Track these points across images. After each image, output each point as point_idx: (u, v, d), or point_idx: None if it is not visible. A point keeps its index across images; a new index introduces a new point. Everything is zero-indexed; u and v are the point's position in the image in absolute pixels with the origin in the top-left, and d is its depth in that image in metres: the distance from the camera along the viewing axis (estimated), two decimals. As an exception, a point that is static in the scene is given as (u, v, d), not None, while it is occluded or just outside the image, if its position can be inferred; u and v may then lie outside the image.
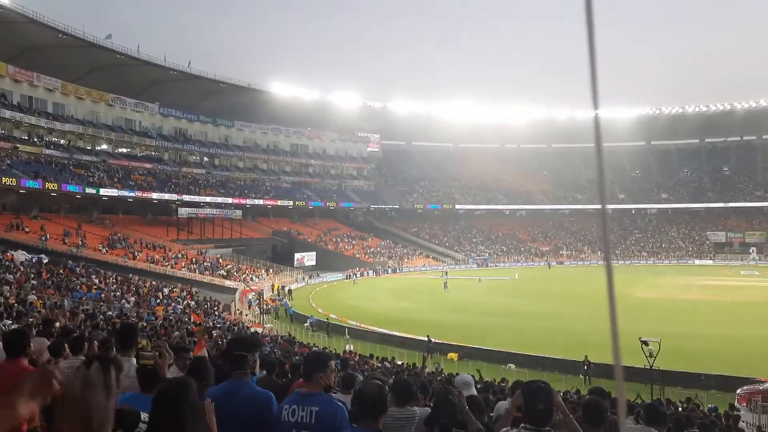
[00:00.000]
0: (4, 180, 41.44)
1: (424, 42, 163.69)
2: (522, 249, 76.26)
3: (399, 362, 20.24)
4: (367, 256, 65.49)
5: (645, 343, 17.83)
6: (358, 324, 32.22)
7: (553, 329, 29.77)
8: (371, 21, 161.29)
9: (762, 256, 69.30)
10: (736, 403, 15.37)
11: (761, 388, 16.37)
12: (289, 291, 45.40)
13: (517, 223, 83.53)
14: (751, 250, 71.06)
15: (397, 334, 29.15)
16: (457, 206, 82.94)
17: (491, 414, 5.79)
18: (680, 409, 13.05)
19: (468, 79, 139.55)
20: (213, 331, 20.86)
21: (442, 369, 18.27)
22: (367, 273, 59.48)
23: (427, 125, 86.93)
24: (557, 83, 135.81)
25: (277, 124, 75.55)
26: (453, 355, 25.20)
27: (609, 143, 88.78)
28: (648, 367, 17.76)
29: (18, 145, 48.20)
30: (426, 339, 26.06)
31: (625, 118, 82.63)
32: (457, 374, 8.12)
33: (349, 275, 57.14)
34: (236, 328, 26.28)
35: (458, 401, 4.17)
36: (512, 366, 23.02)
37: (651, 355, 17.79)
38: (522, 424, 3.18)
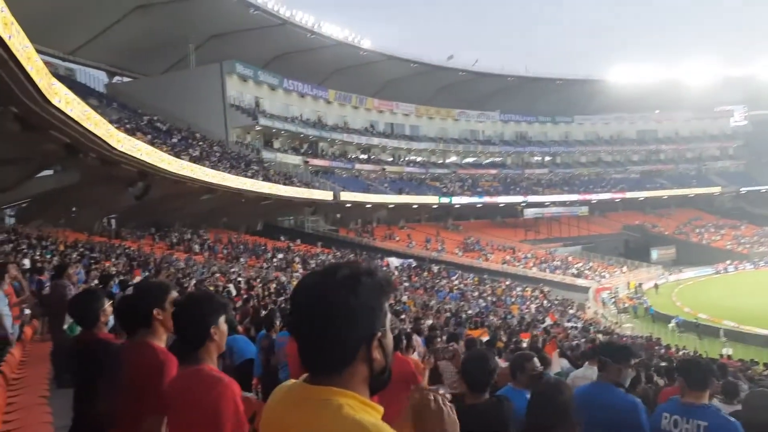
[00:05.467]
0: (378, 198, 48.88)
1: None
2: None
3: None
4: (740, 247, 56.95)
5: None
6: (736, 325, 28.31)
7: None
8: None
9: None
10: None
11: None
12: (656, 285, 42.98)
13: None
14: None
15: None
16: None
17: None
18: None
19: None
20: (569, 331, 21.05)
21: None
22: (743, 266, 51.69)
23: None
24: None
25: (620, 112, 71.47)
26: None
27: None
28: None
29: (385, 167, 56.55)
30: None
31: None
32: None
33: (720, 270, 50.56)
34: (591, 327, 25.93)
35: None
36: None
37: None
38: None
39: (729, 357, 20.37)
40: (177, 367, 2.43)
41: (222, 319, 2.32)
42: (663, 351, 19.30)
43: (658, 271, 50.37)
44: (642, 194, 63.98)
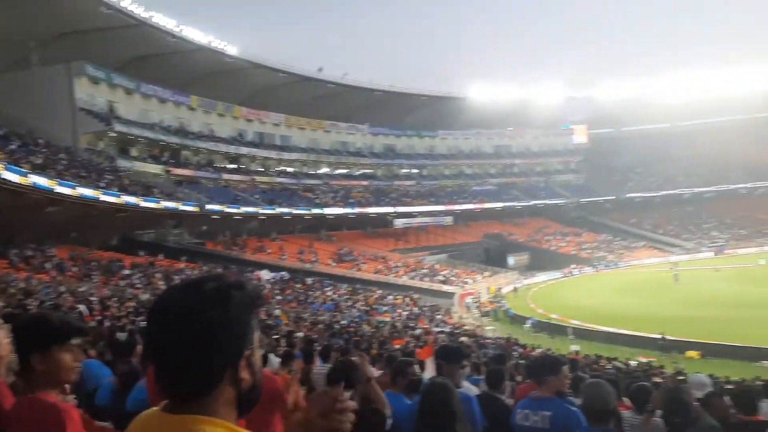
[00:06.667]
0: (247, 209, 47.63)
1: (623, 21, 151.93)
2: (765, 231, 66.33)
3: (633, 363, 19.06)
4: (583, 253, 62.61)
5: None
6: (582, 323, 30.96)
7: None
8: (562, 8, 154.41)
9: None
10: None
11: None
12: (515, 289, 46.14)
13: (758, 202, 72.82)
14: None
15: (626, 332, 27.41)
16: (682, 190, 75.16)
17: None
18: None
19: (682, 51, 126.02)
20: (438, 336, 21.78)
21: (683, 369, 16.82)
22: (586, 270, 56.83)
23: (638, 108, 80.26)
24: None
25: (479, 128, 76.06)
26: (693, 353, 22.98)
27: None
28: None
29: (255, 177, 55.32)
30: (659, 337, 24.17)
31: None
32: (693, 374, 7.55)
33: (566, 273, 55.17)
34: (458, 331, 27.04)
35: (688, 399, 3.98)
36: (767, 363, 20.27)
37: None
38: None
39: (577, 353, 22.19)
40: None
41: (58, 347, 1.99)
42: (520, 350, 20.55)
43: (514, 276, 53.87)
44: (499, 205, 68.35)
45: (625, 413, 4.13)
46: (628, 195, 75.55)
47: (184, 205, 40.00)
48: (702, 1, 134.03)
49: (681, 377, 12.73)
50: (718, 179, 75.11)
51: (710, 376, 9.97)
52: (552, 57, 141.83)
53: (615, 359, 19.13)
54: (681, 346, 23.69)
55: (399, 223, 57.92)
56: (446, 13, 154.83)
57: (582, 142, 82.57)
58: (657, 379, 11.79)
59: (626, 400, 4.81)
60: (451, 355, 3.96)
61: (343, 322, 25.73)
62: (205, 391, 1.08)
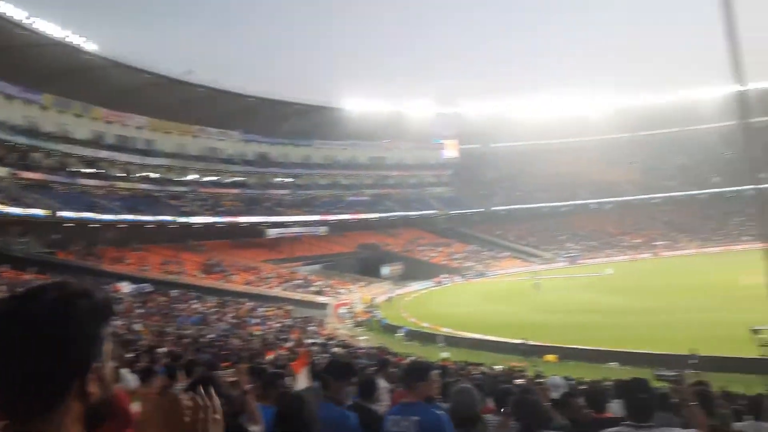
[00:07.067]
0: (105, 217, 44.38)
1: (491, 42, 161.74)
2: (612, 243, 73.26)
3: (498, 367, 19.90)
4: (453, 262, 65.19)
5: (756, 331, 16.80)
6: (452, 331, 32.02)
7: (656, 324, 28.33)
8: (435, 26, 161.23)
9: None
10: None
11: None
12: (389, 299, 46.71)
13: (605, 216, 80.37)
14: None
15: (492, 338, 28.74)
16: (541, 204, 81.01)
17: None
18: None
19: (540, 74, 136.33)
20: (311, 347, 21.40)
21: (542, 372, 17.81)
22: (456, 279, 59.17)
23: (503, 125, 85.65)
24: (636, 70, 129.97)
25: (355, 139, 76.95)
26: (550, 357, 24.54)
27: (698, 126, 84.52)
28: (762, 357, 16.64)
29: (115, 183, 51.68)
30: (520, 342, 25.57)
31: (712, 98, 78.13)
32: (550, 376, 7.94)
33: (438, 283, 57.06)
34: (332, 342, 26.82)
35: (537, 400, 4.14)
36: (615, 364, 22.12)
37: (764, 344, 16.69)
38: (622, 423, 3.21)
39: (446, 360, 22.82)
40: None
41: None
42: (393, 359, 20.73)
43: (388, 286, 54.80)
44: (374, 215, 69.44)
45: (488, 416, 4.24)
46: (494, 208, 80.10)
47: (31, 210, 36.33)
48: (560, 31, 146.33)
49: (540, 380, 13.44)
50: (572, 195, 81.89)
51: (566, 377, 10.59)
52: (424, 74, 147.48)
53: (482, 365, 19.87)
54: (540, 351, 25.22)
55: (272, 232, 56.87)
56: (324, 26, 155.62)
57: (453, 156, 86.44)
58: (518, 382, 12.32)
59: (490, 403, 4.94)
60: (339, 370, 3.83)
61: (210, 335, 24.69)
62: (49, 408, 0.98)
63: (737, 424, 5.13)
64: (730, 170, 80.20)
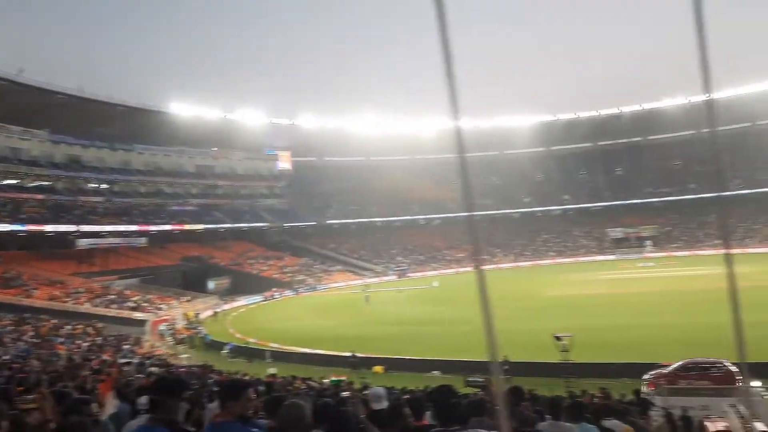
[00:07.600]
0: None
1: (326, 57, 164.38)
2: (439, 257, 77.57)
3: (326, 381, 19.76)
4: (284, 276, 64.29)
5: (558, 338, 18.53)
6: (281, 346, 31.35)
7: (474, 332, 30.17)
8: (269, 35, 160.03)
9: (656, 248, 74.17)
10: (644, 388, 16.19)
11: (665, 371, 17.36)
12: (215, 314, 44.67)
13: (433, 232, 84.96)
14: (645, 243, 75.93)
15: (322, 352, 28.62)
16: (374, 219, 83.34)
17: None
18: (595, 399, 13.49)
19: (374, 93, 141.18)
20: (124, 368, 19.53)
21: (369, 383, 17.98)
22: (287, 293, 58.37)
23: (338, 140, 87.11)
24: (460, 95, 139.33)
25: (181, 146, 73.03)
26: (378, 368, 25.01)
27: (513, 150, 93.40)
28: (563, 362, 18.40)
29: None
30: (349, 355, 25.76)
31: (526, 126, 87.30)
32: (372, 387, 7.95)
33: (268, 297, 55.80)
34: (148, 361, 24.83)
35: (348, 411, 4.07)
36: (437, 373, 23.14)
37: (565, 350, 18.46)
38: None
39: (274, 376, 22.19)
40: None
41: None
42: (216, 377, 19.65)
43: (214, 301, 52.39)
44: (200, 227, 66.22)
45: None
46: (328, 221, 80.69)
47: None
48: (397, 54, 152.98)
49: (366, 391, 13.49)
50: (403, 210, 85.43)
51: (390, 388, 10.69)
52: (258, 84, 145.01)
53: (310, 379, 19.58)
54: (369, 363, 25.59)
55: (83, 243, 51.73)
56: (149, 23, 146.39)
57: (286, 168, 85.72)
58: (345, 394, 12.24)
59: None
60: (170, 387, 3.49)
61: (5, 357, 21.72)
62: None
63: (540, 424, 5.47)
64: (538, 192, 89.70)
